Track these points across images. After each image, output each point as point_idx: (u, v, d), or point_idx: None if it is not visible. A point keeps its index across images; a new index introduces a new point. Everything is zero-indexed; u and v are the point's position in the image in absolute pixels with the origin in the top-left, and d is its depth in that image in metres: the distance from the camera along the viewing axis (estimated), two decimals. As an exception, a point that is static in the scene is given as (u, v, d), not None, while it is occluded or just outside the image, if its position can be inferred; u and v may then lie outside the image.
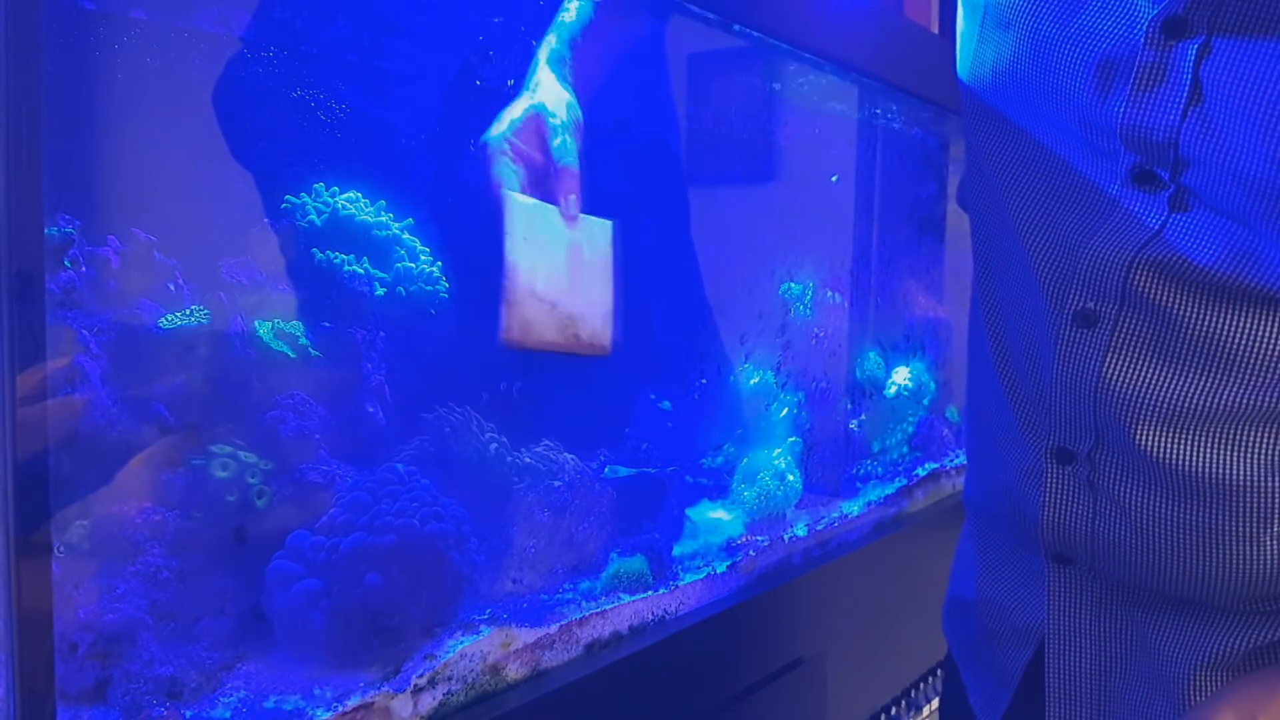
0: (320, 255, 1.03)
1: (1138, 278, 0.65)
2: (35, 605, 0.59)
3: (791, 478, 1.53)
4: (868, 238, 1.92)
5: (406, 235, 1.12)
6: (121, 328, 0.85)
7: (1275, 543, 0.65)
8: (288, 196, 1.03)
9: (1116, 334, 0.68)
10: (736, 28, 1.39)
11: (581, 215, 0.83)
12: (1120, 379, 0.68)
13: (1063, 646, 0.77)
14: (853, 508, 1.60)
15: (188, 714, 0.77)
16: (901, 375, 2.01)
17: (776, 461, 1.56)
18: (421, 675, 0.85)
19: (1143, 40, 0.63)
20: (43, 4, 0.57)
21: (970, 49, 0.78)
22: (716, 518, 1.47)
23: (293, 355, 0.97)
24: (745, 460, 1.60)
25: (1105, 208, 0.68)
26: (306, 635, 0.86)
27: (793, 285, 1.78)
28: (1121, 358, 0.68)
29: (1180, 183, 0.64)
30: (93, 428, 0.80)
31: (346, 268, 1.03)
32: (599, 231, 0.85)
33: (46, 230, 0.59)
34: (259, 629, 0.88)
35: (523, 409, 1.20)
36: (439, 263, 1.14)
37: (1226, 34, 0.59)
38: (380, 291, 1.07)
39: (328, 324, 1.01)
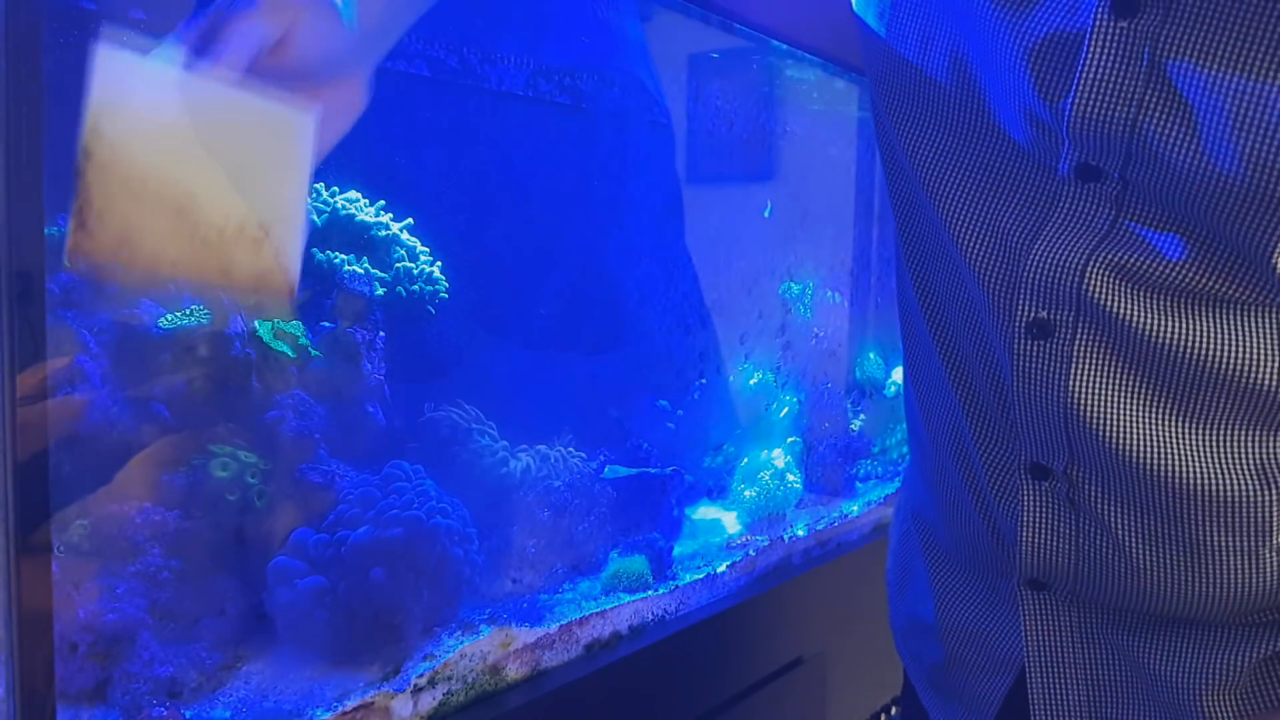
0: (320, 255, 1.03)
1: (1093, 283, 0.60)
2: (35, 605, 0.59)
3: (792, 478, 1.53)
4: (867, 238, 1.93)
5: (406, 235, 1.12)
6: (121, 328, 0.85)
7: (1274, 555, 0.61)
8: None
9: (1077, 344, 0.61)
10: (736, 27, 1.39)
11: (265, 99, 0.57)
12: (1089, 394, 0.62)
13: (1048, 679, 0.72)
14: (853, 508, 1.60)
15: (188, 714, 0.77)
16: (901, 375, 2.01)
17: (776, 461, 1.56)
18: (421, 675, 0.85)
19: (1091, 21, 0.56)
20: (43, 4, 0.57)
21: (872, 9, 0.70)
22: (716, 518, 1.47)
23: (293, 355, 0.97)
24: (745, 460, 1.60)
25: (1047, 206, 0.62)
26: (309, 632, 0.86)
27: (793, 285, 1.78)
28: (1087, 371, 0.61)
29: (1128, 178, 0.58)
30: (93, 428, 0.80)
31: (346, 268, 1.03)
32: (288, 118, 0.59)
33: (46, 230, 0.59)
34: (259, 628, 0.88)
35: (523, 408, 1.20)
36: (439, 262, 1.14)
37: (1185, 13, 0.53)
38: (380, 291, 1.07)
39: (328, 324, 1.01)
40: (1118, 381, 0.61)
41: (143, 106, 0.53)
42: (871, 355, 1.95)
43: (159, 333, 0.88)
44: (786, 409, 1.70)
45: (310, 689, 0.82)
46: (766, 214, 1.75)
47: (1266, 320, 0.58)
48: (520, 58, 1.26)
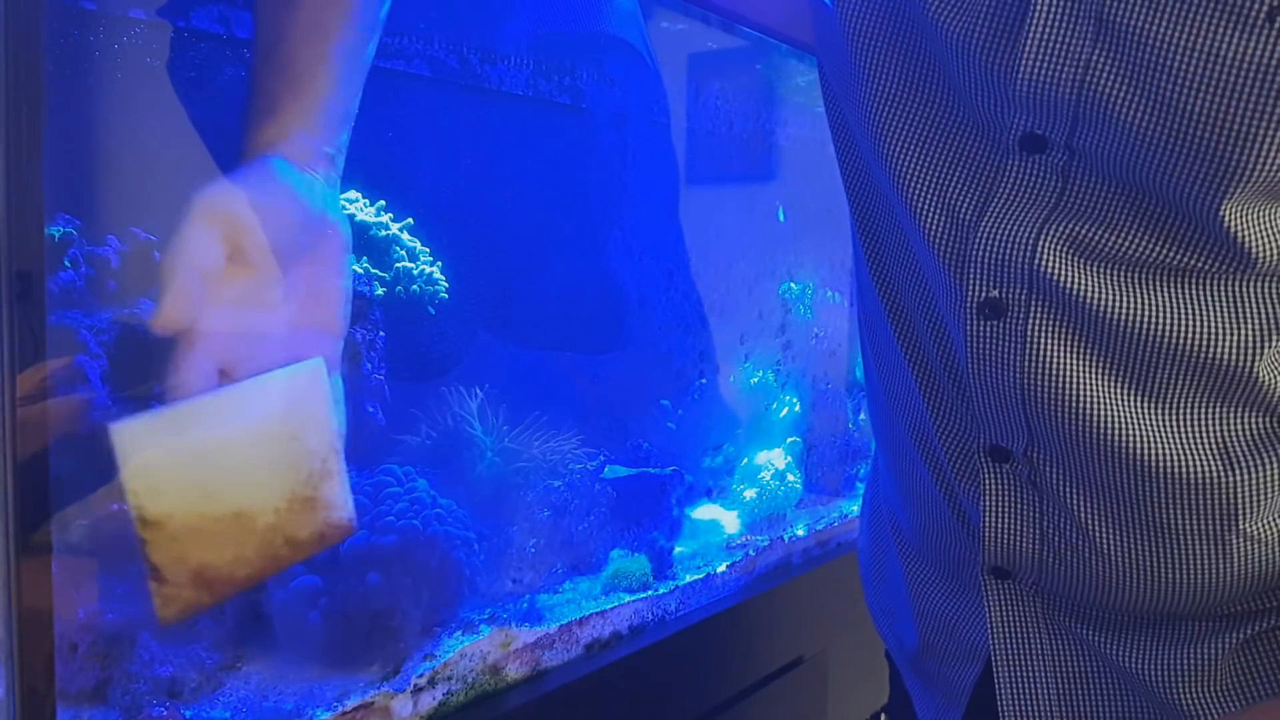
0: (320, 255, 1.03)
1: (1045, 258, 0.58)
2: (35, 605, 0.59)
3: (792, 478, 1.53)
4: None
5: (406, 235, 1.12)
6: (121, 328, 0.84)
7: (1241, 541, 0.59)
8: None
9: (1031, 323, 0.59)
10: (736, 26, 1.39)
11: (269, 374, 0.57)
12: (1045, 374, 0.60)
13: (1014, 669, 0.69)
14: (852, 508, 1.60)
15: (187, 714, 0.77)
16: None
17: (776, 461, 1.56)
18: (421, 675, 0.85)
19: None
20: (43, 4, 0.57)
21: None
22: (716, 518, 1.47)
23: (293, 355, 0.96)
24: (745, 460, 1.60)
25: (993, 179, 0.60)
26: (304, 634, 0.86)
27: (793, 285, 1.78)
28: (1042, 350, 0.59)
29: (1074, 146, 0.57)
30: (93, 428, 0.80)
31: (346, 268, 1.03)
32: (303, 383, 0.58)
33: (46, 230, 0.59)
34: (259, 629, 0.88)
35: (523, 407, 1.20)
36: (439, 263, 1.14)
37: None
38: (380, 291, 1.06)
39: (328, 324, 1.01)
40: (1074, 360, 0.59)
41: (167, 455, 0.52)
42: (871, 355, 1.95)
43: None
44: (786, 409, 1.70)
45: (310, 689, 0.82)
46: (780, 218, 1.75)
47: (1223, 292, 0.57)
48: (511, 31, 1.26)
